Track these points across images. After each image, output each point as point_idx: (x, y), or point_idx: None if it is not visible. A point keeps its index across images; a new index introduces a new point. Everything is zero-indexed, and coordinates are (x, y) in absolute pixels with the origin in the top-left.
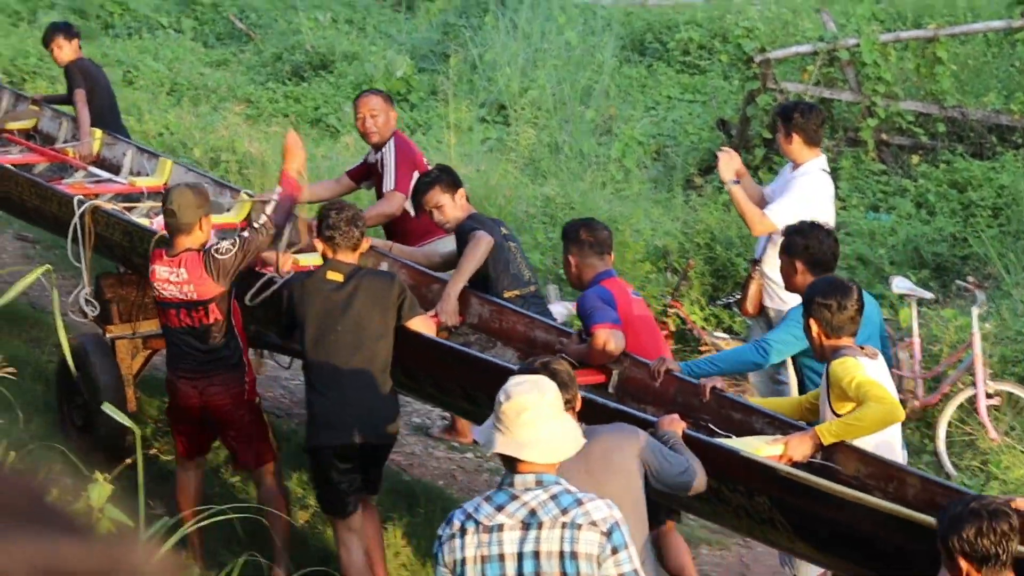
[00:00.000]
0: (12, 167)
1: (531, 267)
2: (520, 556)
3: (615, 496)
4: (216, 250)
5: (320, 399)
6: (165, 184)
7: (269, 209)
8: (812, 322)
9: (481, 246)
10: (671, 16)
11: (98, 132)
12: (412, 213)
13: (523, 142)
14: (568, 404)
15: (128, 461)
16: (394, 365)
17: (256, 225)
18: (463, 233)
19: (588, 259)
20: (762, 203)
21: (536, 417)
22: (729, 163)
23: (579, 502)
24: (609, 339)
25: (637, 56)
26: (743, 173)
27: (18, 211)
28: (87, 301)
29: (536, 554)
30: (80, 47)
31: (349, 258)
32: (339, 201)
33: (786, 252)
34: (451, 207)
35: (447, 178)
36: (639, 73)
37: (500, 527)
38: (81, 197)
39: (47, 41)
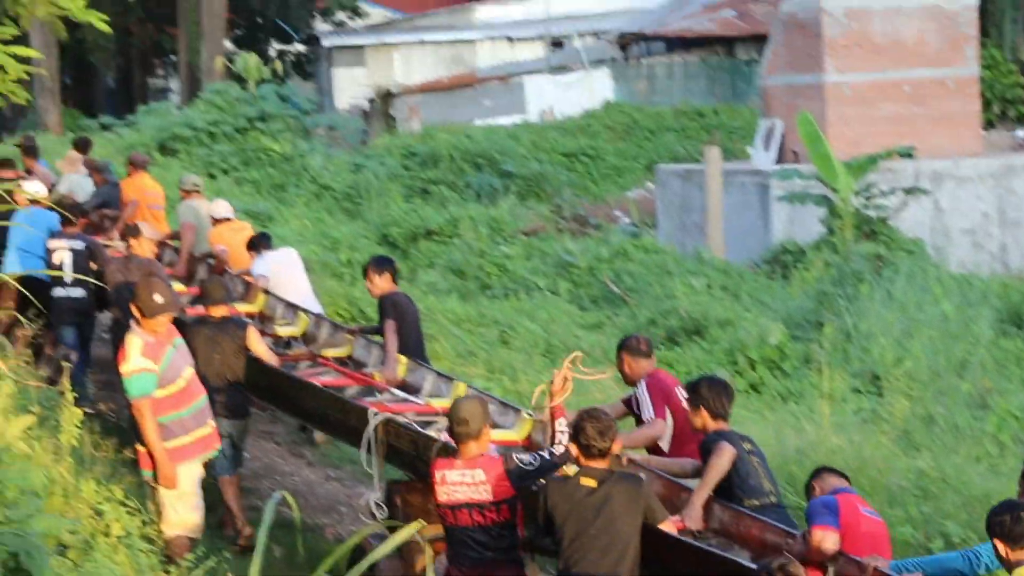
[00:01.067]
0: (321, 386)
1: (773, 480)
2: None
3: None
4: (520, 460)
5: None
6: None
7: (564, 439)
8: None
9: (724, 458)
10: None
11: (403, 359)
12: (665, 449)
13: (897, 413)
14: None
15: None
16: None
17: (556, 452)
18: (707, 444)
19: (827, 482)
20: None
21: None
22: None
23: None
24: (824, 539)
25: (1014, 329)
26: None
27: (320, 424)
28: (377, 505)
29: None
30: (394, 280)
31: (600, 464)
32: (594, 410)
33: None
34: (698, 421)
35: (694, 395)
36: (1016, 346)
37: None
38: (375, 411)
39: (365, 274)
